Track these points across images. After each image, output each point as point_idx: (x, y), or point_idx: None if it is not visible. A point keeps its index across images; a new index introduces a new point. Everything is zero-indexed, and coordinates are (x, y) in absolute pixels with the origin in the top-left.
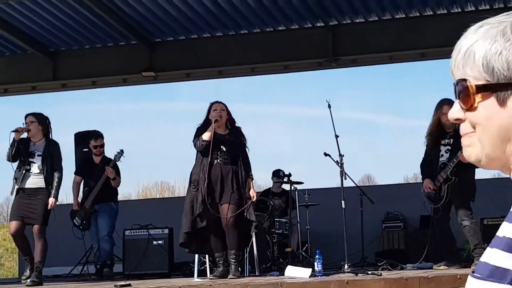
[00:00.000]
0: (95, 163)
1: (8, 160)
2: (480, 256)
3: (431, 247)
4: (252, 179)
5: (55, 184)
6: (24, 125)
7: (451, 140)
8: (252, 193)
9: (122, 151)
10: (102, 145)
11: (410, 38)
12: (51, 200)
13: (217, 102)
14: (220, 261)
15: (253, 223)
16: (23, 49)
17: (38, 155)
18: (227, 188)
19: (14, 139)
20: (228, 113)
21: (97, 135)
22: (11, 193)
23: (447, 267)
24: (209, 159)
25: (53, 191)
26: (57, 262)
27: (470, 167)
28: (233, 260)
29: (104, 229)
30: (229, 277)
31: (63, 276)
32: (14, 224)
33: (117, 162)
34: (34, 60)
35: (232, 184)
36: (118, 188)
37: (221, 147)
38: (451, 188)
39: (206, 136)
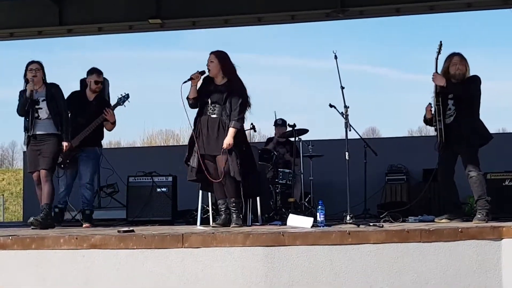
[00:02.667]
0: (89, 100)
1: (21, 114)
2: (483, 208)
3: (434, 200)
4: (236, 128)
5: (64, 127)
6: (29, 73)
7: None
8: (225, 140)
9: (127, 95)
10: (102, 83)
11: None
12: (64, 144)
13: (211, 53)
14: (222, 209)
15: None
16: None
17: (43, 100)
18: (214, 140)
19: (26, 91)
20: (223, 62)
21: (100, 70)
22: (24, 143)
23: (449, 221)
24: (202, 112)
25: (64, 135)
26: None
27: (470, 114)
28: (234, 209)
29: (87, 176)
30: (231, 226)
31: (67, 220)
32: (35, 176)
33: (120, 106)
34: (40, 4)
35: (218, 136)
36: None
37: (208, 99)
38: (457, 138)
39: (190, 94)
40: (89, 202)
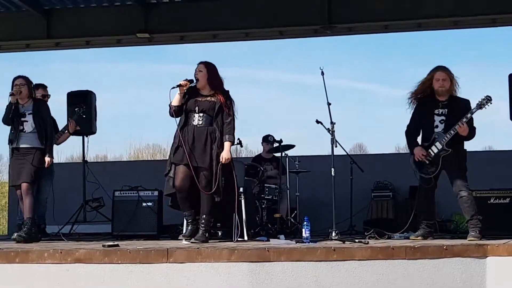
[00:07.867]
0: None
1: (5, 123)
2: (475, 226)
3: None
4: (232, 142)
5: (48, 142)
6: (14, 88)
7: (445, 110)
8: (223, 154)
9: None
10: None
11: (407, 7)
12: (47, 159)
13: (199, 62)
14: (189, 220)
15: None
16: (17, 6)
17: (29, 114)
18: (200, 150)
19: (10, 102)
20: (211, 73)
21: (45, 85)
22: (10, 156)
23: (423, 238)
24: (187, 122)
25: (47, 150)
26: (50, 221)
27: (463, 139)
28: (202, 225)
29: (47, 192)
30: (191, 240)
31: (52, 234)
32: (19, 190)
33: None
34: (28, 17)
35: (205, 146)
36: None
37: (195, 108)
38: (446, 159)
39: (174, 101)
40: (43, 217)
